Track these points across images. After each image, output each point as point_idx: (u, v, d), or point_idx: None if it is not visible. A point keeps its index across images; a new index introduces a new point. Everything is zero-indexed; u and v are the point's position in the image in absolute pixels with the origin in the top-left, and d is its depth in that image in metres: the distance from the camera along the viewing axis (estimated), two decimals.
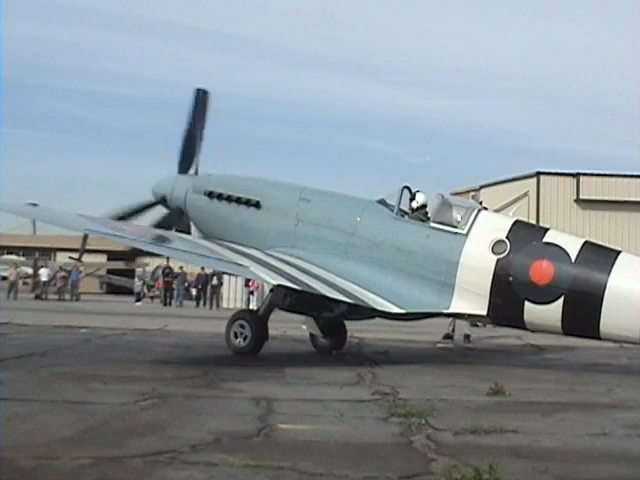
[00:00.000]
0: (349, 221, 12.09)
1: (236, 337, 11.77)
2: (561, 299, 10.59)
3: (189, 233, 13.37)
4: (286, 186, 13.25)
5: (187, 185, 13.58)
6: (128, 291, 46.49)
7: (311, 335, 13.05)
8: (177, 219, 13.81)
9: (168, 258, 30.19)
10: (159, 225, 13.35)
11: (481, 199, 23.73)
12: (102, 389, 7.90)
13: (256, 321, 11.92)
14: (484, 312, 11.18)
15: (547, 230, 11.54)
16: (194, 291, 40.06)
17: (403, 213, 11.99)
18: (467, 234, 11.36)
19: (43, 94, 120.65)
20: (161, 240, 11.60)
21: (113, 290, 52.17)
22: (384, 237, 11.81)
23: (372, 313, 11.63)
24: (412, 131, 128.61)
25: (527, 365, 12.25)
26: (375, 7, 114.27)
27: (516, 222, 11.55)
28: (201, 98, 13.89)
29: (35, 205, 11.91)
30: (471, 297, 11.19)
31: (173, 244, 11.73)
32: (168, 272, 37.90)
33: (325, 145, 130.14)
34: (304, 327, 12.86)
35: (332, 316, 12.03)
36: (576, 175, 35.32)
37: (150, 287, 45.49)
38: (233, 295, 34.40)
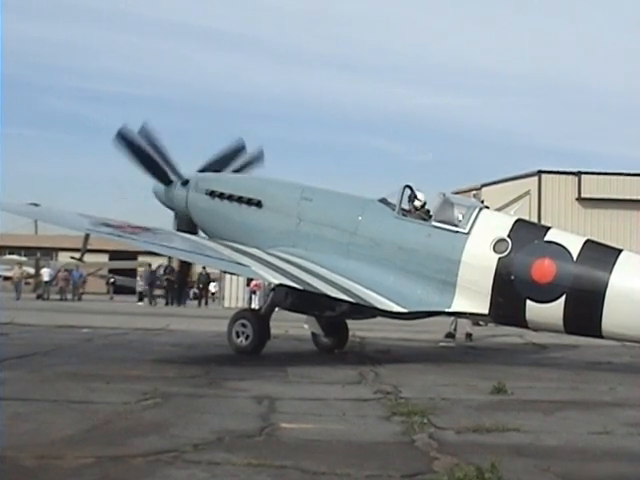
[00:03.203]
0: (350, 220, 12.09)
1: (238, 336, 11.76)
2: (563, 298, 10.59)
3: (191, 232, 13.35)
4: (287, 185, 13.26)
5: (187, 186, 13.57)
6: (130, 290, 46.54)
7: (313, 334, 13.05)
8: (179, 218, 13.84)
9: (170, 258, 30.19)
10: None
11: (482, 198, 23.68)
12: (104, 388, 7.91)
13: (258, 320, 11.92)
14: (486, 311, 11.18)
15: (549, 229, 11.53)
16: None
17: (405, 212, 11.99)
18: (468, 233, 11.36)
19: (43, 93, 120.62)
20: (162, 240, 11.59)
21: (115, 290, 52.20)
22: (385, 236, 11.81)
23: (374, 312, 11.64)
24: (414, 129, 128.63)
25: (529, 363, 12.25)
26: (379, 5, 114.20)
27: (517, 221, 11.55)
28: (239, 147, 14.29)
29: (36, 205, 11.92)
30: (473, 296, 11.19)
31: (174, 244, 11.73)
32: (170, 271, 37.88)
33: (327, 143, 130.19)
34: (306, 326, 12.86)
35: (334, 315, 12.03)
36: (578, 174, 35.33)
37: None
38: (235, 294, 34.42)
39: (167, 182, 13.66)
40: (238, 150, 14.30)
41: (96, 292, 47.99)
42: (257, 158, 14.50)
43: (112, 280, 46.75)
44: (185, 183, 13.52)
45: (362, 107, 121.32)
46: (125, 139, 13.02)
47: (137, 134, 13.20)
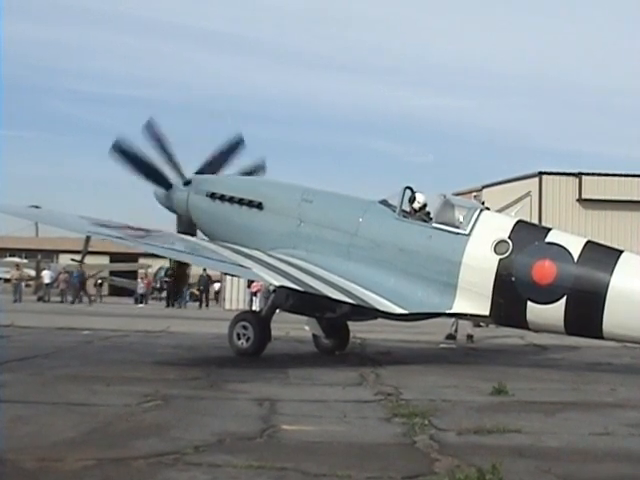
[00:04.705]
0: (351, 222, 12.09)
1: (239, 338, 11.75)
2: (564, 299, 10.59)
3: (192, 234, 13.36)
4: (288, 187, 13.26)
5: (189, 186, 13.58)
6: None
7: (314, 336, 13.05)
8: (180, 220, 13.85)
9: (171, 260, 30.18)
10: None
11: (483, 199, 23.66)
12: (105, 391, 7.91)
13: (259, 322, 11.90)
14: (487, 312, 11.17)
15: (549, 230, 11.54)
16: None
17: (405, 214, 11.99)
18: (469, 234, 11.36)
19: (44, 95, 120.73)
20: (163, 242, 11.60)
21: (115, 292, 52.24)
22: (386, 238, 11.80)
23: (375, 314, 11.64)
24: (413, 131, 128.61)
25: (530, 365, 12.25)
26: (379, 5, 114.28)
27: (518, 222, 11.55)
28: (236, 143, 14.28)
29: (37, 207, 11.94)
30: (473, 297, 11.19)
31: (175, 245, 11.74)
32: (171, 273, 37.83)
33: (326, 145, 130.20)
34: (307, 328, 12.87)
35: (335, 317, 12.03)
36: (578, 175, 35.29)
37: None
38: (235, 296, 34.44)
39: (167, 186, 13.67)
40: (236, 145, 14.24)
41: (91, 294, 47.96)
42: (259, 168, 14.51)
43: (100, 282, 46.70)
44: (186, 185, 13.53)
45: (361, 108, 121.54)
46: (121, 150, 13.01)
47: (140, 133, 13.18)
